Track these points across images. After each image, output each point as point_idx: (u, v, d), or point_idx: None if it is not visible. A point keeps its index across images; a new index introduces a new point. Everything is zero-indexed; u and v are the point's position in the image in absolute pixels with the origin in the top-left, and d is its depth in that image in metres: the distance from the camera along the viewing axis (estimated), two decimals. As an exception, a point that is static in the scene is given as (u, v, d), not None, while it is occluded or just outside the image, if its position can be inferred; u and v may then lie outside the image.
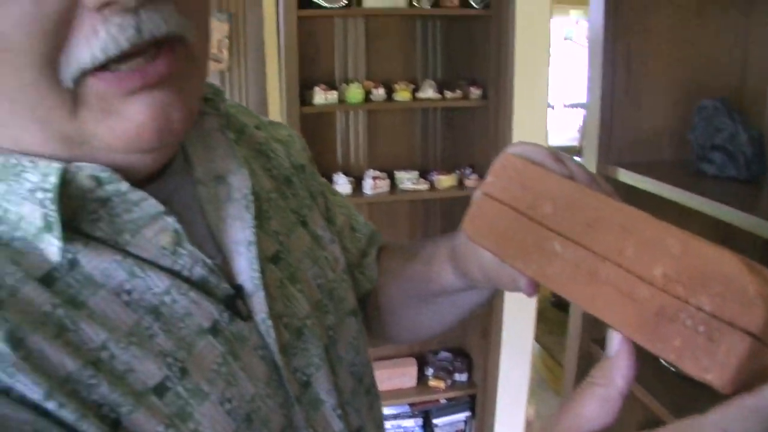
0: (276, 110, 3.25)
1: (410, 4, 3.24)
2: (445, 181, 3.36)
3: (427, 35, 3.51)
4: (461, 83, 3.37)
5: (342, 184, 3.26)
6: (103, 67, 0.52)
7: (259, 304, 0.66)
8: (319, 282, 0.79)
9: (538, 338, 3.97)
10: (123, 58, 0.52)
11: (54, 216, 0.53)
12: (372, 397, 0.85)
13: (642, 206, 1.49)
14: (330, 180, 3.31)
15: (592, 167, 1.67)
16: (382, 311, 0.96)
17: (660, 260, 0.48)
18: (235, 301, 0.65)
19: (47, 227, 0.54)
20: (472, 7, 3.24)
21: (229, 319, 0.63)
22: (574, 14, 8.34)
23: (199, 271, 0.62)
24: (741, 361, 0.42)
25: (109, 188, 0.57)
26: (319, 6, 3.10)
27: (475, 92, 3.31)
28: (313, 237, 0.82)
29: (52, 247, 0.54)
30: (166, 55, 0.54)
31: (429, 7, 3.23)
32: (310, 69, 3.31)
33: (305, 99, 3.16)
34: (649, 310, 0.47)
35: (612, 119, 1.64)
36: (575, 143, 8.92)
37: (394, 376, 3.62)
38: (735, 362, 0.42)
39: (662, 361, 1.66)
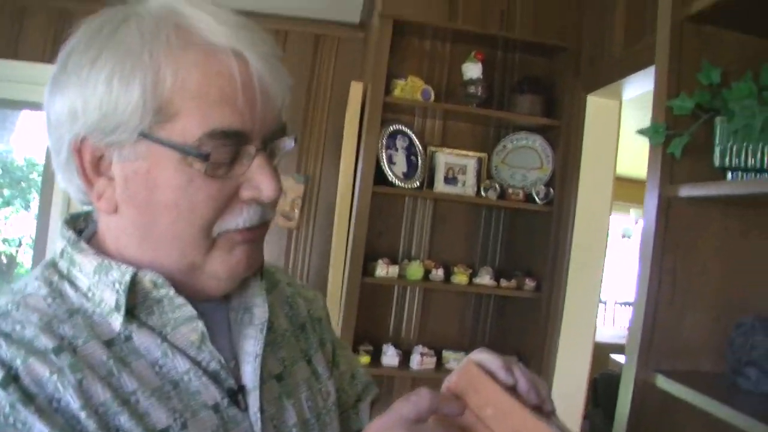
0: (338, 274, 3.36)
1: (478, 193, 3.42)
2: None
3: (490, 224, 3.66)
4: (517, 274, 3.48)
5: (390, 356, 3.33)
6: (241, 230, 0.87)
7: (254, 400, 0.90)
8: (310, 405, 1.01)
9: None
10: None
11: (123, 301, 0.82)
12: None
13: (678, 413, 1.55)
14: (379, 350, 3.38)
15: (632, 372, 1.74)
16: None
17: None
18: (237, 394, 0.88)
19: (117, 308, 0.82)
20: (535, 202, 3.40)
21: (227, 405, 0.86)
22: (634, 213, 8.44)
23: (214, 366, 0.87)
24: None
25: (162, 291, 0.84)
26: (393, 184, 3.29)
27: (529, 284, 3.40)
28: (313, 372, 1.06)
29: (116, 322, 0.82)
30: (262, 228, 0.89)
31: (495, 199, 3.39)
32: (376, 242, 3.47)
33: (367, 270, 3.30)
34: None
35: (654, 328, 1.73)
36: (623, 341, 8.80)
37: None
38: None
39: None
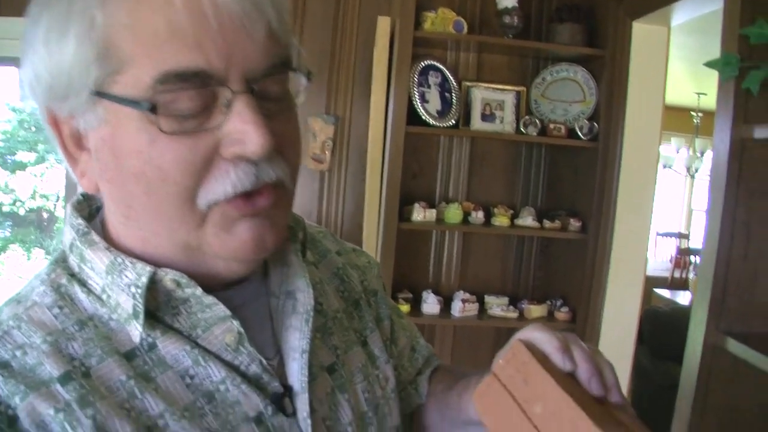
0: (373, 220, 3.27)
1: (517, 130, 3.25)
2: (535, 311, 3.29)
3: (531, 163, 3.51)
4: (561, 214, 3.33)
5: (431, 303, 3.23)
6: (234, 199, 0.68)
7: (303, 404, 0.77)
8: (367, 396, 0.88)
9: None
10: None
11: (141, 308, 0.69)
12: None
13: (750, 379, 1.41)
14: (419, 298, 3.28)
15: (701, 334, 1.59)
16: (423, 427, 1.04)
17: None
18: (282, 398, 0.76)
19: (135, 315, 0.70)
20: (578, 137, 3.22)
21: (272, 413, 0.74)
22: (676, 142, 8.27)
23: (254, 369, 0.75)
24: None
25: (188, 291, 0.71)
26: (427, 124, 3.14)
27: (574, 224, 3.26)
28: (369, 356, 0.93)
29: (136, 330, 0.70)
30: (269, 194, 0.71)
31: (535, 135, 3.23)
32: (411, 185, 3.34)
33: (403, 214, 3.18)
34: None
35: (726, 286, 1.57)
36: (666, 274, 8.71)
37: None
38: None
39: None
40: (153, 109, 0.64)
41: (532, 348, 0.71)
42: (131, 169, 0.67)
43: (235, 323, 0.73)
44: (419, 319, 3.16)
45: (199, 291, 0.71)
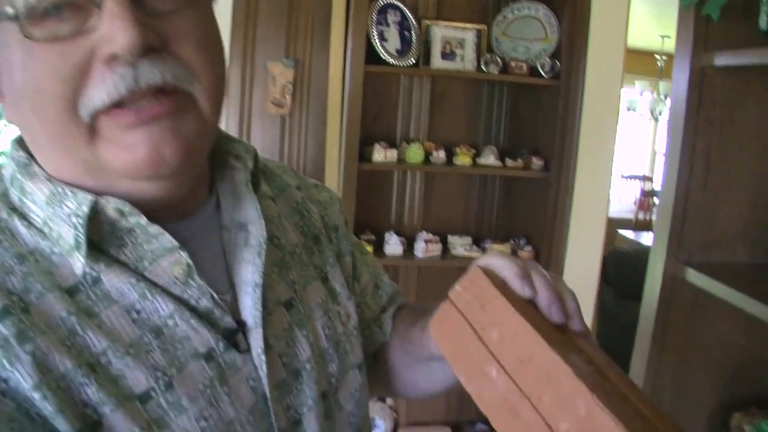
0: (334, 162, 3.24)
1: (479, 68, 3.20)
2: (498, 250, 3.27)
3: (493, 101, 3.46)
4: (524, 152, 3.31)
5: (393, 245, 3.21)
6: (116, 105, 0.63)
7: (256, 339, 0.74)
8: (327, 332, 0.86)
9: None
10: (134, 99, 0.63)
11: (82, 238, 0.66)
12: None
13: (711, 309, 1.40)
14: (381, 239, 3.25)
15: (660, 265, 1.58)
16: (388, 366, 1.03)
17: (567, 417, 0.52)
18: (235, 334, 0.73)
19: (77, 246, 0.66)
20: (540, 75, 3.19)
21: (224, 349, 0.72)
22: (640, 85, 8.29)
23: (205, 303, 0.72)
24: None
25: (131, 220, 0.68)
26: (386, 63, 3.08)
27: (537, 163, 3.24)
28: (330, 292, 0.90)
29: (78, 263, 0.67)
30: (162, 100, 0.65)
31: (497, 73, 3.19)
32: (371, 125, 3.28)
33: (364, 155, 3.14)
34: None
35: (685, 215, 1.55)
36: (630, 216, 8.81)
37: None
38: None
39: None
40: (20, 17, 0.60)
41: (491, 274, 0.69)
42: (18, 86, 0.64)
43: (183, 254, 0.70)
44: (382, 260, 3.12)
45: (143, 220, 0.68)
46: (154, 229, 0.69)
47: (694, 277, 1.51)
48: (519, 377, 0.58)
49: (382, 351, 1.03)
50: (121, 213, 0.67)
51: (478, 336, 0.63)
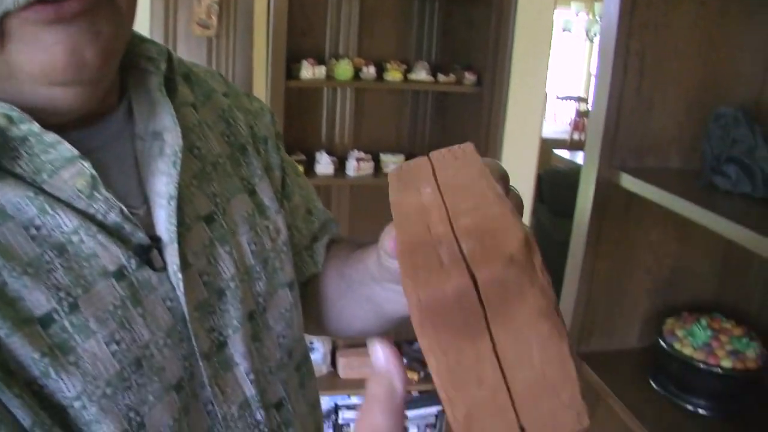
0: (261, 81, 3.13)
1: (409, -19, 3.11)
2: (431, 167, 3.25)
3: (424, 16, 3.38)
4: (456, 68, 3.25)
5: (324, 164, 3.15)
6: (30, 5, 0.55)
7: (172, 256, 0.69)
8: (254, 248, 0.81)
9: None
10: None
11: None
12: (304, 374, 0.89)
13: (645, 216, 1.38)
14: (312, 158, 3.19)
15: (594, 170, 1.56)
16: (321, 300, 0.99)
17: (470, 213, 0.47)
18: (149, 251, 0.68)
19: None
20: (472, -12, 3.11)
21: (137, 266, 0.66)
22: (575, 6, 8.29)
23: (113, 218, 0.66)
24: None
25: (23, 128, 0.61)
26: (313, -24, 2.96)
27: (469, 78, 3.19)
28: (258, 206, 0.85)
29: None
30: None
31: (428, -14, 3.09)
32: (299, 42, 3.18)
33: (292, 72, 3.04)
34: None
35: (619, 120, 1.52)
36: (565, 136, 8.90)
37: (365, 364, 3.51)
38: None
39: (652, 383, 1.57)
40: None
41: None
42: None
43: (86, 164, 0.63)
44: (313, 180, 3.07)
45: (36, 127, 0.61)
46: (50, 137, 0.62)
47: (627, 182, 1.49)
48: (447, 194, 0.53)
49: (313, 283, 1.00)
50: (10, 119, 0.60)
51: (437, 182, 0.57)
